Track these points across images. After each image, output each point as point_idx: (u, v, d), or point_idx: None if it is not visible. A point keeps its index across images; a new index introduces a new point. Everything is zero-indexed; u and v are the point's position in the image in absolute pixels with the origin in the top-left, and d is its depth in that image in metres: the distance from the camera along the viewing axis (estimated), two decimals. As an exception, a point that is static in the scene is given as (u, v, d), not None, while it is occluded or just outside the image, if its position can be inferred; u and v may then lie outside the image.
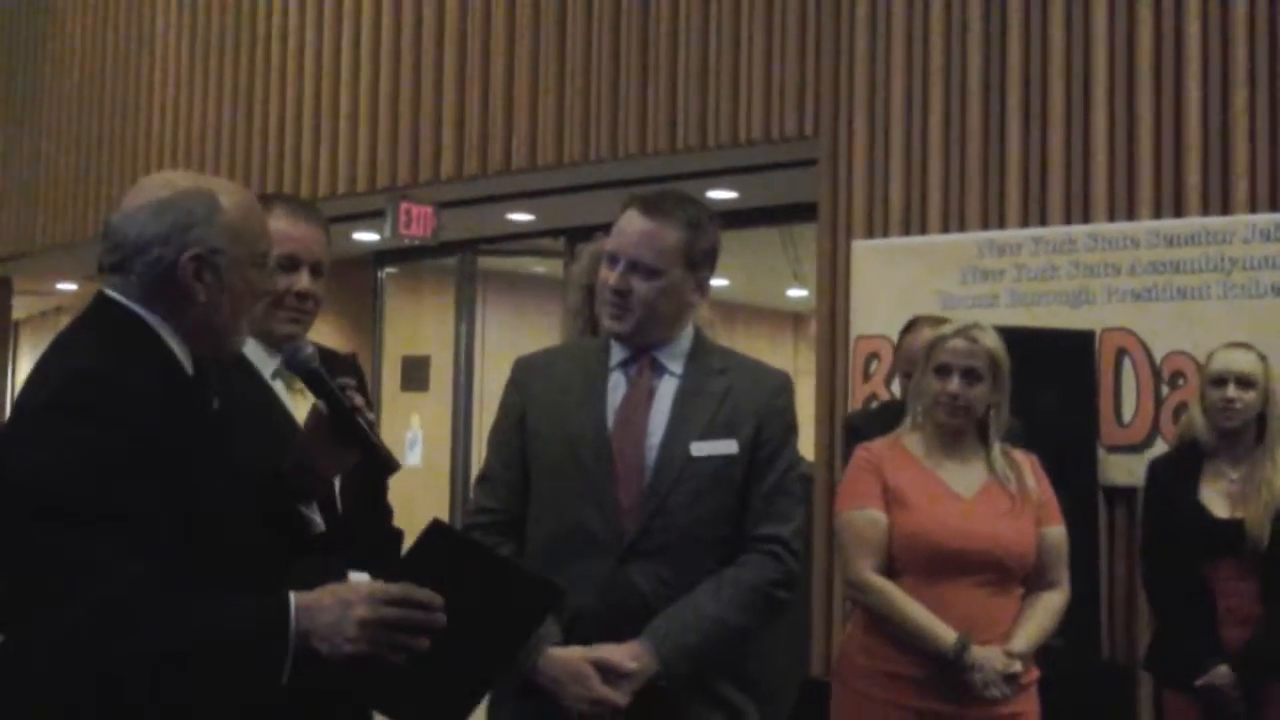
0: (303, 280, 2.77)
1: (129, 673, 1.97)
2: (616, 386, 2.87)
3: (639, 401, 2.84)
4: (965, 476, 3.54)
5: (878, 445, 3.66)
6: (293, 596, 2.04)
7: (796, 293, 11.37)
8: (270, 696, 2.03)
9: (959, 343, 3.53)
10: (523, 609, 2.26)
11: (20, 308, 13.76)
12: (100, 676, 1.96)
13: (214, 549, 2.11)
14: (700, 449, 2.81)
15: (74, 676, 1.98)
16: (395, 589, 2.06)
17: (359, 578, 2.23)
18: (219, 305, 2.22)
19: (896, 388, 5.26)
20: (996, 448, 3.56)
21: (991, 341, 3.56)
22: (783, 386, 2.96)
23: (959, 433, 3.55)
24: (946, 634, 3.36)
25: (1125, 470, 5.28)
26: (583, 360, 2.92)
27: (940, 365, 3.53)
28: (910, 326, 4.75)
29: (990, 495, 3.51)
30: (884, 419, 4.68)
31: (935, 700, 3.37)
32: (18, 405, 2.12)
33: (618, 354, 2.89)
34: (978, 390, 3.51)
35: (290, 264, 2.75)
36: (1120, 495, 5.34)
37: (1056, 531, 3.57)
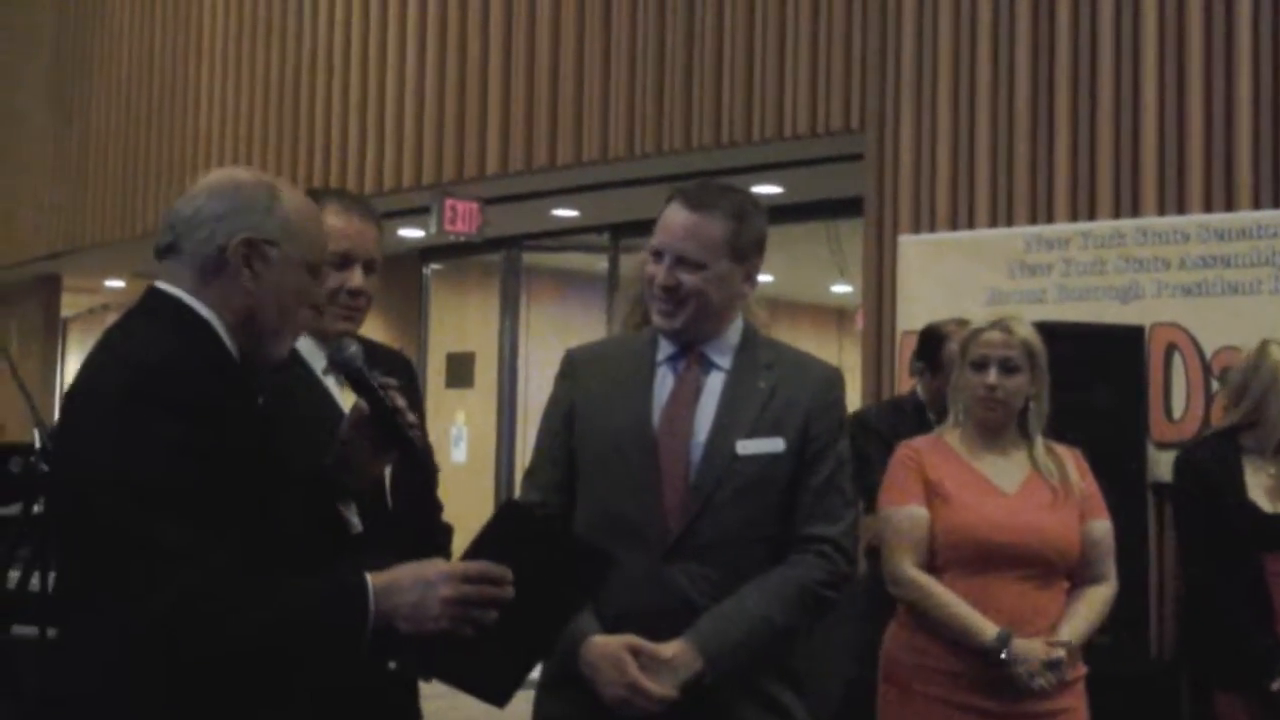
0: (355, 278, 2.78)
1: (214, 659, 2.00)
2: (664, 381, 2.84)
3: (686, 398, 2.81)
4: (1007, 471, 3.51)
5: (919, 441, 3.65)
6: (370, 578, 2.08)
7: (841, 288, 11.34)
8: (345, 679, 2.13)
9: (994, 335, 3.51)
10: (584, 579, 2.36)
11: (69, 305, 13.86)
12: (183, 664, 1.99)
13: (261, 543, 2.11)
14: (746, 447, 2.77)
15: (152, 665, 2.00)
16: (474, 567, 2.12)
17: None
18: (266, 300, 2.20)
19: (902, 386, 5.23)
20: (1039, 441, 3.53)
21: (1027, 332, 3.53)
22: (833, 381, 2.91)
23: (1000, 427, 3.53)
24: (988, 628, 3.34)
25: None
26: (632, 354, 2.90)
27: (977, 359, 3.51)
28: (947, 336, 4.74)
29: (1033, 489, 3.48)
30: (892, 415, 4.66)
31: (982, 697, 3.35)
32: (82, 396, 2.11)
33: (665, 348, 2.86)
34: (1016, 381, 3.49)
35: (343, 261, 2.75)
36: (1169, 492, 5.28)
37: (1102, 525, 3.54)
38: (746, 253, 2.83)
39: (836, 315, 12.62)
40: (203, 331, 2.17)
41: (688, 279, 2.77)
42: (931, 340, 4.86)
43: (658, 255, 2.81)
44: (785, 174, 7.27)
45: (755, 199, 2.92)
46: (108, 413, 2.05)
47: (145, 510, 1.99)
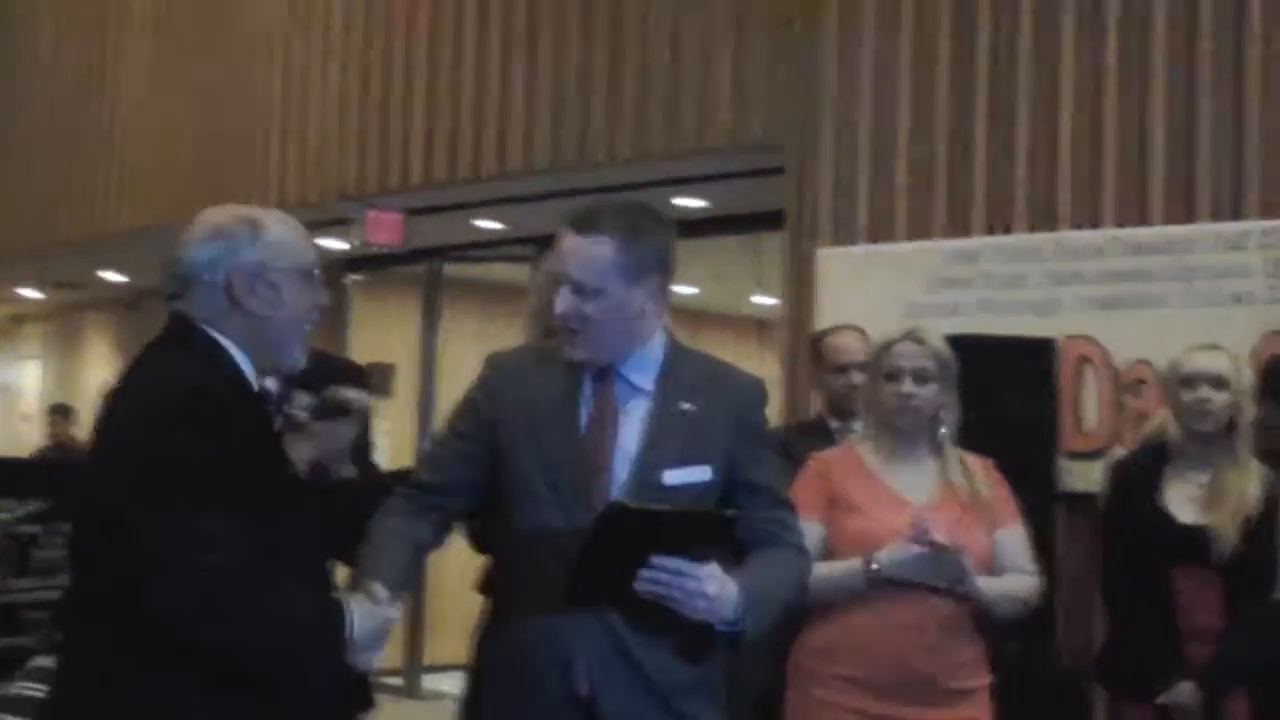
0: None
1: (242, 634, 2.25)
2: (588, 401, 2.77)
3: (603, 423, 2.75)
4: (918, 482, 3.54)
5: (830, 454, 3.68)
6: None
7: (761, 300, 11.39)
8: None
9: (907, 345, 3.56)
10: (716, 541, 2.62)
11: (-15, 314, 13.71)
12: (213, 640, 2.23)
13: (272, 549, 2.33)
14: (673, 477, 2.71)
15: (186, 642, 2.22)
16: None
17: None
18: (277, 317, 2.48)
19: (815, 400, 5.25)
20: (950, 452, 3.57)
21: (938, 342, 3.58)
22: (756, 398, 2.87)
23: (912, 437, 3.57)
24: (851, 561, 3.39)
25: (1084, 477, 5.29)
26: (556, 370, 2.80)
27: (890, 370, 3.55)
28: (826, 333, 4.85)
29: (943, 501, 3.52)
30: (802, 434, 4.68)
31: (885, 703, 3.39)
32: (118, 419, 2.37)
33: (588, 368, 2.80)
34: (929, 390, 3.53)
35: None
36: (1079, 502, 5.35)
37: (1013, 530, 3.58)
38: (642, 271, 2.74)
39: (757, 326, 12.67)
40: (221, 358, 2.44)
41: (585, 305, 2.70)
42: (811, 342, 5.04)
43: (557, 282, 2.76)
44: (707, 187, 7.30)
45: (654, 213, 2.84)
46: (140, 433, 2.30)
47: (175, 507, 2.21)
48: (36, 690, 3.30)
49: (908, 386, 3.51)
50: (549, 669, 2.67)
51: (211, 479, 2.25)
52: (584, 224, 2.73)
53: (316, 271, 2.55)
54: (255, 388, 2.51)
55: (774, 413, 6.52)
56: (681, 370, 2.82)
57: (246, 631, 2.25)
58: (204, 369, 2.40)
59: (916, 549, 3.34)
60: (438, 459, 2.91)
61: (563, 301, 2.72)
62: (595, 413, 2.75)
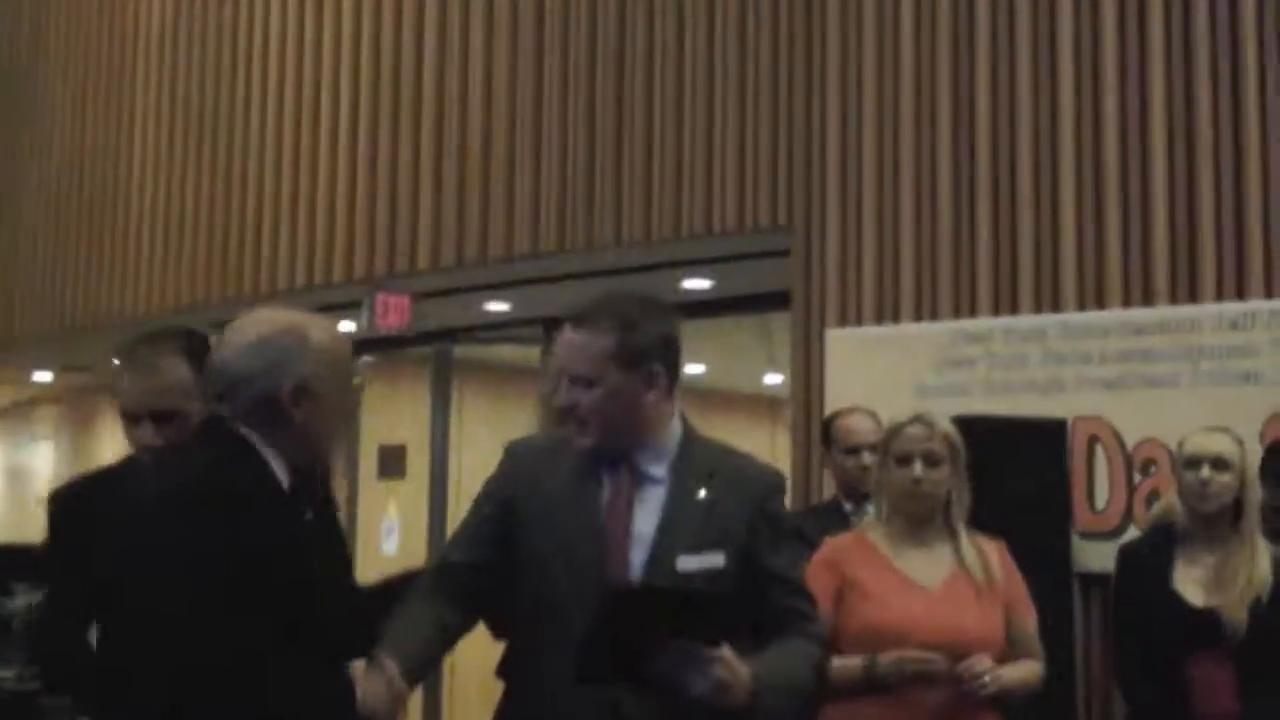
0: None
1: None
2: (606, 488, 2.80)
3: (620, 512, 2.78)
4: (930, 567, 3.55)
5: (842, 540, 3.69)
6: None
7: (773, 379, 11.41)
8: None
9: (916, 429, 3.57)
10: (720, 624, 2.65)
11: (-4, 397, 13.75)
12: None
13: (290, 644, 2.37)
14: (687, 564, 2.73)
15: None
16: None
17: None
18: (315, 425, 2.49)
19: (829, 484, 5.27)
20: (963, 535, 3.58)
21: (946, 426, 3.60)
22: (774, 488, 2.89)
23: (924, 521, 3.57)
24: (852, 660, 3.39)
25: (1099, 557, 5.28)
26: (573, 457, 2.83)
27: (900, 454, 3.56)
28: (838, 415, 4.90)
29: (956, 586, 3.52)
30: (817, 518, 4.69)
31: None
32: (143, 506, 2.42)
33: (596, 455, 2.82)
34: (940, 474, 3.54)
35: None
36: (1095, 582, 5.36)
37: (1030, 623, 3.59)
38: (640, 359, 2.77)
39: (769, 405, 12.68)
40: (253, 457, 2.45)
41: (582, 397, 2.76)
42: (824, 424, 5.08)
43: (558, 377, 2.82)
44: (714, 268, 7.34)
45: (653, 302, 2.90)
46: (163, 522, 2.34)
47: (192, 604, 2.25)
48: None
49: (918, 470, 3.52)
50: None
51: (230, 569, 2.28)
52: (580, 319, 2.81)
53: (357, 378, 2.60)
54: (286, 487, 2.50)
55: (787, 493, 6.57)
56: (697, 457, 2.85)
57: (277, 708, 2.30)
58: (229, 466, 2.42)
59: (916, 654, 3.34)
60: (465, 539, 2.94)
61: (563, 394, 2.80)
62: (612, 498, 2.79)
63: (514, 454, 2.94)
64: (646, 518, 2.77)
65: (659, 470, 2.81)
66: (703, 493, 2.78)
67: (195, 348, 3.04)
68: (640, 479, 2.81)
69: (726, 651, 2.61)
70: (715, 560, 2.76)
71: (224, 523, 2.32)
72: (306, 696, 2.38)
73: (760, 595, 2.79)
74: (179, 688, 2.25)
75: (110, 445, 13.99)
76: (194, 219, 9.18)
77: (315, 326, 2.52)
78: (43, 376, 13.39)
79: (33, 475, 14.99)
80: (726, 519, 2.78)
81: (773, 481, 2.92)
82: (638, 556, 2.74)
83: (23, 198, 10.88)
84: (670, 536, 2.75)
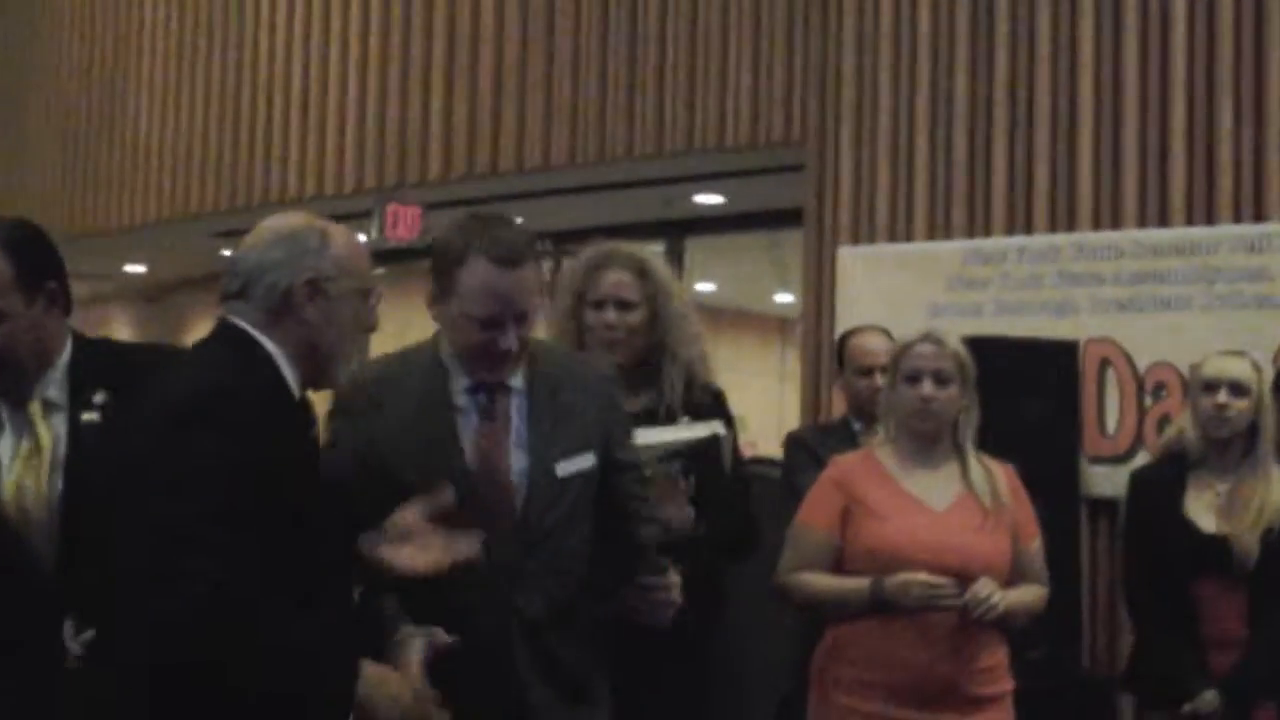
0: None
1: (230, 657, 2.18)
2: (468, 414, 2.81)
3: (499, 430, 2.80)
4: (938, 488, 3.52)
5: (849, 459, 3.66)
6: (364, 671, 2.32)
7: (783, 298, 11.37)
8: None
9: (926, 347, 3.53)
10: None
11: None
12: (199, 659, 2.17)
13: (290, 565, 2.29)
14: (566, 469, 2.80)
15: (172, 658, 2.18)
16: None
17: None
18: (327, 330, 2.46)
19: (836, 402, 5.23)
20: (971, 456, 3.54)
21: (957, 344, 3.57)
22: (611, 379, 3.01)
23: (933, 441, 3.54)
24: (859, 581, 3.38)
25: (1108, 482, 5.26)
26: (423, 379, 2.83)
27: (910, 372, 3.52)
28: (851, 334, 4.81)
29: (964, 508, 3.49)
30: (826, 436, 4.66)
31: (910, 709, 3.36)
32: (142, 414, 2.35)
33: (461, 379, 2.81)
34: (949, 393, 3.51)
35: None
36: (1103, 507, 5.33)
37: (1035, 547, 3.57)
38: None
39: (779, 325, 12.66)
40: (263, 362, 2.43)
41: (525, 331, 2.77)
42: (837, 342, 5.00)
43: (489, 324, 2.74)
44: (727, 183, 7.29)
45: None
46: (161, 430, 2.28)
47: (186, 514, 2.18)
48: None
49: (927, 389, 3.49)
50: None
51: (229, 485, 2.22)
52: (508, 253, 2.74)
53: (373, 295, 2.55)
54: (297, 397, 2.48)
55: (793, 411, 6.55)
56: (540, 361, 2.88)
57: (235, 652, 2.19)
58: (240, 371, 2.39)
59: (924, 578, 3.32)
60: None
61: (508, 339, 2.75)
62: (486, 418, 2.81)
63: (355, 392, 2.84)
64: (515, 430, 2.81)
65: (516, 381, 2.83)
66: (555, 396, 2.83)
67: (17, 240, 2.78)
68: (505, 392, 2.83)
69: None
70: (587, 461, 2.83)
71: (234, 434, 2.26)
72: (293, 643, 2.27)
73: (617, 485, 2.89)
74: (163, 606, 2.17)
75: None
76: (203, 129, 9.12)
77: (338, 232, 2.51)
78: (52, 284, 13.38)
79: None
80: (581, 417, 2.84)
81: (606, 373, 3.03)
82: (517, 465, 2.77)
83: (30, 109, 10.81)
84: (543, 445, 2.79)
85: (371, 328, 2.57)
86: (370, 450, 2.77)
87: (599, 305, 3.44)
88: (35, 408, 2.78)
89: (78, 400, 2.79)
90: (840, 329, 5.99)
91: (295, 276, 2.44)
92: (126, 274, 12.26)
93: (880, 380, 4.33)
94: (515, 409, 2.82)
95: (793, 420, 6.44)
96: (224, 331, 2.47)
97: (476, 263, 2.71)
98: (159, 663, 2.21)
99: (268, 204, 8.34)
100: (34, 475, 2.76)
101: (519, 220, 8.44)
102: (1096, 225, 5.57)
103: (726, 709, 3.84)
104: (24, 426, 2.79)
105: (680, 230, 8.05)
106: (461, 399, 2.81)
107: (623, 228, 6.95)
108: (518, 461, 2.78)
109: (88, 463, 2.69)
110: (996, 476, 3.55)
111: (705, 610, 3.33)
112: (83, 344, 2.88)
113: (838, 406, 5.92)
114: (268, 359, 2.43)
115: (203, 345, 2.51)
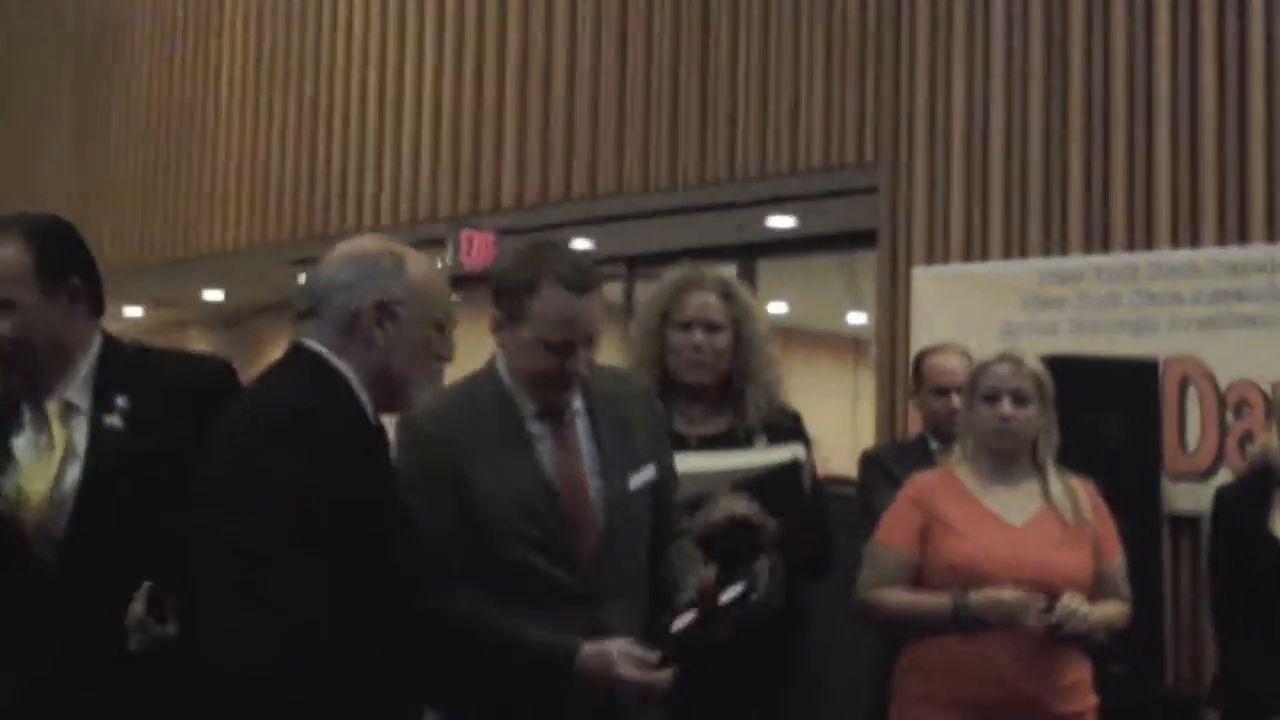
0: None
1: (304, 692, 2.17)
2: (542, 435, 2.83)
3: (573, 448, 2.84)
4: (1017, 504, 3.50)
5: (928, 476, 3.66)
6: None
7: (857, 318, 11.34)
8: None
9: (1004, 367, 3.52)
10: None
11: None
12: (276, 694, 2.16)
13: (363, 590, 2.28)
14: (635, 482, 2.85)
15: (249, 692, 2.17)
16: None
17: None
18: (398, 354, 2.42)
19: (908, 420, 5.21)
20: (1052, 473, 3.53)
21: (1035, 364, 3.55)
22: (650, 391, 3.07)
23: (1011, 459, 3.53)
24: (940, 596, 3.37)
25: (1190, 498, 5.23)
26: (494, 411, 2.84)
27: (988, 392, 3.51)
28: (928, 353, 4.80)
29: (1043, 523, 3.48)
30: (903, 455, 4.64)
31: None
32: (228, 436, 2.33)
33: (528, 404, 2.83)
34: (1028, 413, 3.49)
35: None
36: (1185, 524, 5.29)
37: (1117, 564, 3.54)
38: None
39: (853, 345, 12.62)
40: (339, 384, 2.40)
41: (591, 354, 2.82)
42: (915, 361, 4.99)
43: (564, 349, 2.78)
44: (800, 206, 7.29)
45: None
46: (242, 451, 2.28)
47: (266, 536, 2.19)
48: None
49: (1006, 409, 3.48)
50: None
51: (308, 508, 2.21)
52: (581, 280, 2.80)
53: (448, 325, 2.50)
54: (373, 421, 2.44)
55: (867, 431, 6.53)
56: (593, 383, 2.91)
57: (308, 688, 2.19)
58: (318, 393, 2.37)
59: (1010, 594, 3.31)
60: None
61: (579, 362, 2.80)
62: (561, 438, 2.84)
63: (429, 421, 2.82)
64: (586, 448, 2.85)
65: (576, 403, 2.88)
66: (612, 412, 2.88)
67: (42, 231, 2.72)
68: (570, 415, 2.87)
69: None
70: (650, 473, 2.89)
71: (314, 457, 2.24)
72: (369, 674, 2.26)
73: (668, 494, 2.95)
74: (241, 632, 2.17)
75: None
76: (280, 158, 9.24)
77: (415, 259, 2.48)
78: (132, 311, 13.58)
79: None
80: (638, 432, 2.90)
81: (646, 384, 3.11)
82: (594, 486, 2.82)
83: (111, 140, 10.97)
84: (612, 460, 2.84)
85: (446, 357, 2.53)
86: (452, 487, 2.77)
87: (686, 327, 3.45)
88: (53, 407, 2.72)
89: (100, 403, 2.72)
90: (915, 349, 5.99)
91: (364, 298, 2.40)
92: (205, 300, 12.42)
93: (957, 401, 4.32)
94: (580, 431, 2.86)
95: (866, 439, 6.42)
96: (297, 354, 2.44)
97: (549, 289, 2.76)
98: (235, 693, 2.19)
99: (344, 231, 8.42)
100: (41, 475, 2.69)
101: (591, 245, 8.54)
102: (1175, 243, 5.53)
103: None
104: (42, 425, 2.73)
105: (752, 253, 8.06)
106: (533, 426, 2.84)
107: (695, 251, 6.94)
108: (593, 482, 2.82)
109: (109, 466, 2.65)
110: (1078, 492, 3.54)
111: (788, 629, 3.33)
112: (112, 347, 2.81)
113: (913, 425, 5.92)
114: (343, 382, 2.40)
115: (278, 367, 2.48)
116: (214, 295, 12.17)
